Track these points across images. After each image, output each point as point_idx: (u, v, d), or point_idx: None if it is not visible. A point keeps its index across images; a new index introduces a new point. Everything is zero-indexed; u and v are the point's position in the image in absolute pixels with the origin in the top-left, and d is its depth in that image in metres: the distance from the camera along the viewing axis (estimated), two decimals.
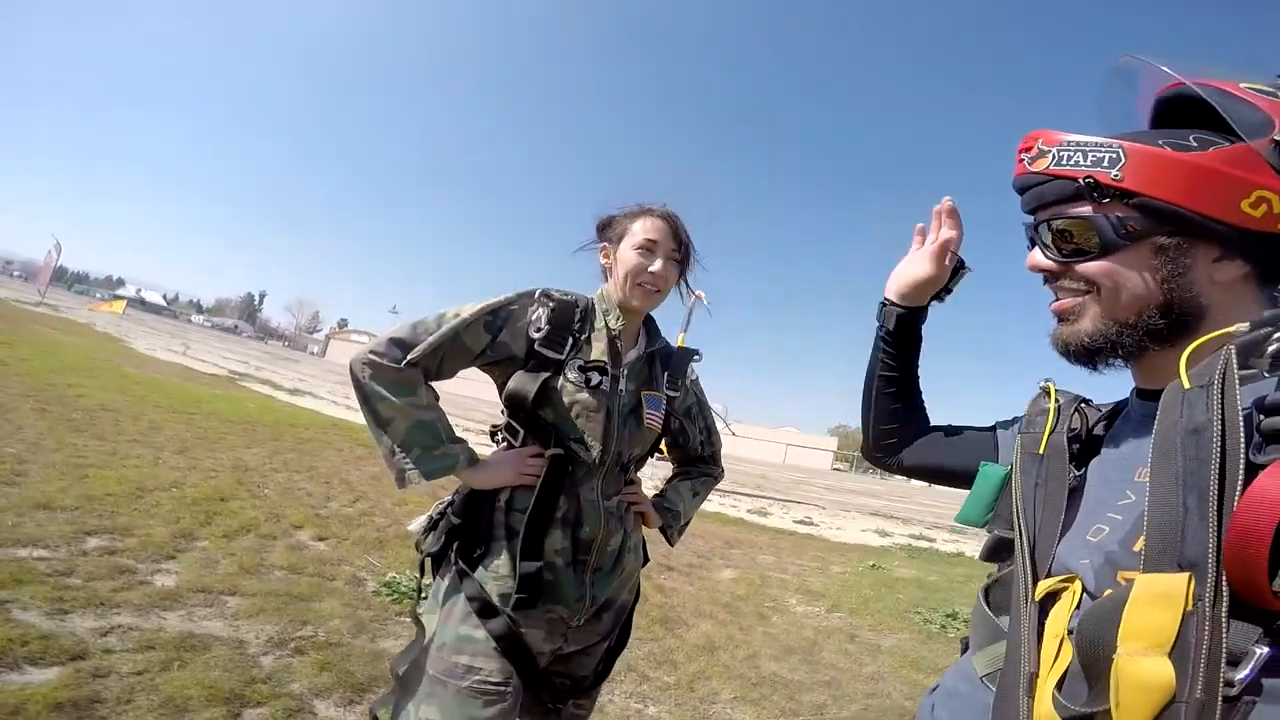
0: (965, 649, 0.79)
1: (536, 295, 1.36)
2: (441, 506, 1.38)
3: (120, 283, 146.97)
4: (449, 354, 1.30)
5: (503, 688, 1.22)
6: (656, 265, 1.38)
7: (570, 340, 1.34)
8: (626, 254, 1.39)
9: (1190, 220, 0.60)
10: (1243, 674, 0.42)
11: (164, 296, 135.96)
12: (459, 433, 1.35)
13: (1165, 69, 0.66)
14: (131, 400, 7.82)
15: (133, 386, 9.10)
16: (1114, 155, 0.62)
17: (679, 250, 1.42)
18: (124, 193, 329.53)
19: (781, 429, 69.06)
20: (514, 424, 1.35)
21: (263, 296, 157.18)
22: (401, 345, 1.27)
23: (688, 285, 1.53)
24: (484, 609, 1.24)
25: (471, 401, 24.19)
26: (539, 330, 1.32)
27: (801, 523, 10.84)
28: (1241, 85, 0.61)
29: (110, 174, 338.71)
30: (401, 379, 1.26)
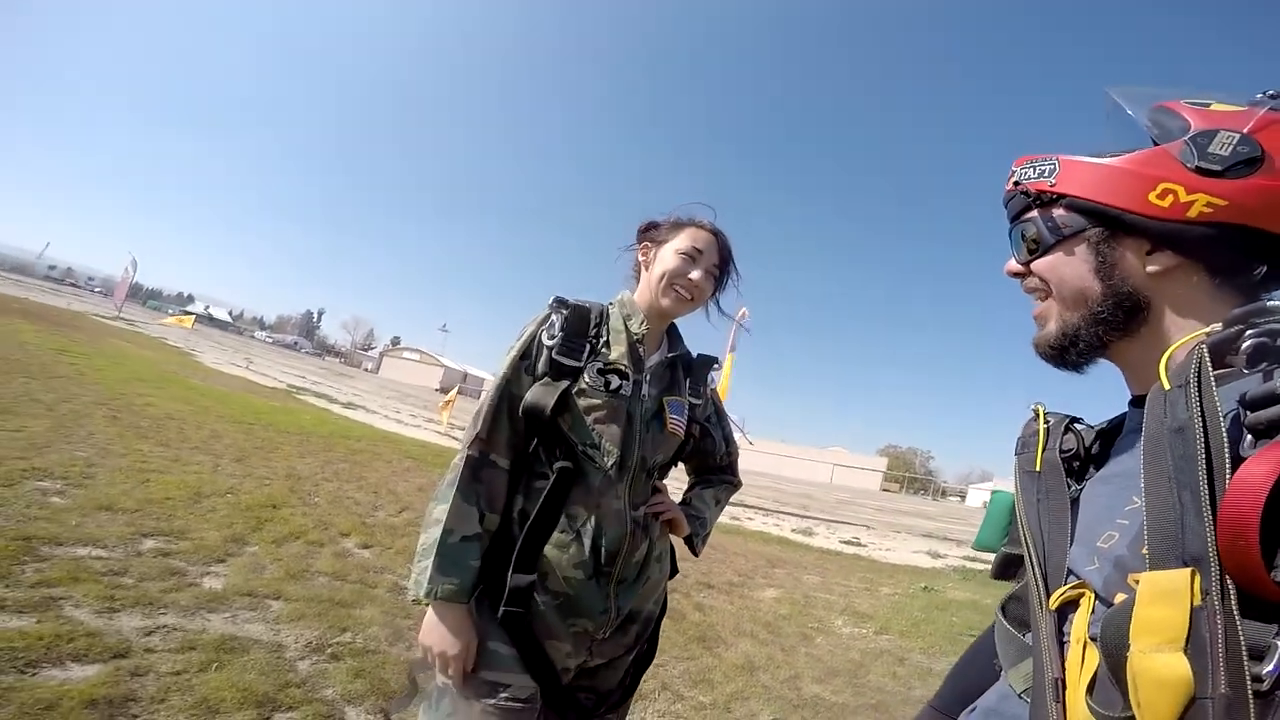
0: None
1: (550, 303, 1.35)
2: None
3: (190, 299, 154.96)
4: (511, 414, 1.29)
5: (529, 705, 1.20)
6: (696, 274, 1.37)
7: (587, 347, 1.32)
8: (668, 255, 1.39)
9: (1106, 214, 0.67)
10: (1269, 668, 0.41)
11: (229, 313, 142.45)
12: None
13: (1114, 95, 0.72)
14: (196, 410, 8.20)
15: (197, 397, 9.54)
16: (1051, 167, 0.72)
17: (719, 267, 1.43)
18: (197, 213, 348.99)
19: (829, 449, 67.49)
20: (530, 433, 1.32)
21: (321, 314, 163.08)
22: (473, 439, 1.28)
23: (719, 307, 1.51)
24: (510, 624, 1.22)
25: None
26: (553, 338, 1.30)
27: (848, 543, 10.51)
28: (1181, 101, 0.67)
29: (183, 195, 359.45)
30: (470, 479, 1.25)
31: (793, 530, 10.74)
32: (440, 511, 1.22)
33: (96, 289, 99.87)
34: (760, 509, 13.20)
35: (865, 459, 66.00)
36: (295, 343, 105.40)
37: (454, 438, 13.78)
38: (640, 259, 1.47)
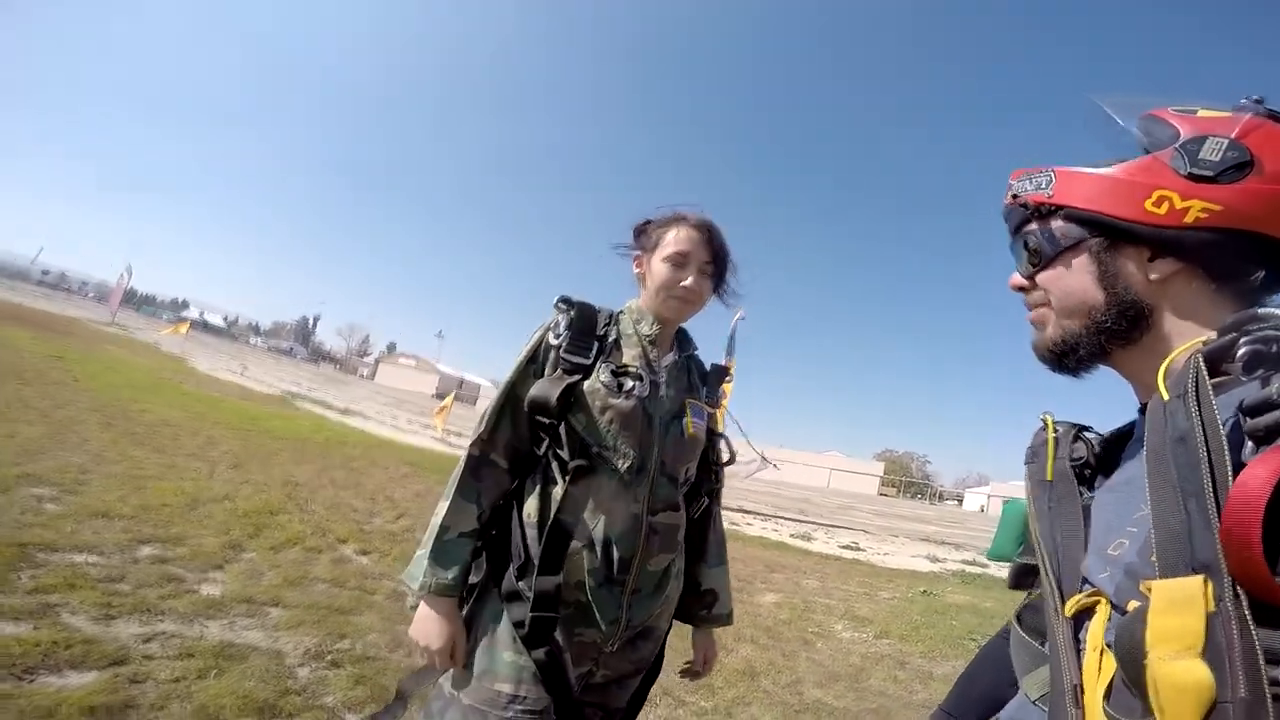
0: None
1: (555, 304, 1.33)
2: None
3: (185, 304, 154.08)
4: (515, 416, 1.29)
5: (542, 718, 1.17)
6: (689, 280, 1.34)
7: (595, 345, 1.30)
8: (658, 266, 1.35)
9: (1104, 223, 0.68)
10: None
11: (224, 319, 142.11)
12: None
13: (1103, 105, 0.73)
14: (191, 417, 8.16)
15: (193, 404, 9.49)
16: (1048, 179, 0.73)
17: (712, 262, 1.38)
18: (191, 218, 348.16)
19: (825, 454, 67.47)
20: (539, 434, 1.29)
21: (316, 320, 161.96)
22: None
23: (726, 298, 1.48)
24: (530, 635, 1.18)
25: None
26: (559, 337, 1.29)
27: (847, 548, 10.50)
28: (1168, 109, 0.68)
29: (177, 200, 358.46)
30: (469, 478, 1.28)
31: (791, 535, 10.69)
32: (441, 508, 1.24)
33: (90, 294, 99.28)
34: (758, 514, 13.18)
35: (862, 463, 66.14)
36: (290, 349, 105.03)
37: (450, 444, 13.75)
38: (636, 271, 1.44)
